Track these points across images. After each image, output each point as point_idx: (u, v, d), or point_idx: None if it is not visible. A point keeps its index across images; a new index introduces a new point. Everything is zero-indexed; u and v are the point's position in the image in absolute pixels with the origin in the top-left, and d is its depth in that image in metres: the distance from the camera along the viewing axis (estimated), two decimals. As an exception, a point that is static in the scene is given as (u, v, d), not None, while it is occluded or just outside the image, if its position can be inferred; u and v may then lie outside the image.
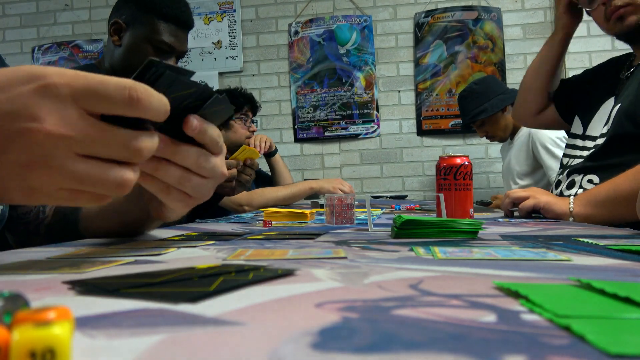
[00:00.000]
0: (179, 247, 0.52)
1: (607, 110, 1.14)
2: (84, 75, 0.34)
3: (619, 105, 1.08)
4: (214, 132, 0.44)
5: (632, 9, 1.05)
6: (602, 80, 1.24)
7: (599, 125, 1.16)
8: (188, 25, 1.26)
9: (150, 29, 1.20)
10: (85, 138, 0.34)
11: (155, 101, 0.36)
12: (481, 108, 2.03)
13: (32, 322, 0.16)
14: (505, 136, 2.13)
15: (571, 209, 0.95)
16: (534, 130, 1.97)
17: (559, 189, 1.21)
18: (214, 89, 3.01)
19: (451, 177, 0.85)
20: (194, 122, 0.42)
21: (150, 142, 0.37)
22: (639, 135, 1.01)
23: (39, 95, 0.33)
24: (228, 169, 1.09)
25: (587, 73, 1.33)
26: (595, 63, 2.67)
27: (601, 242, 0.50)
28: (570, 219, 0.94)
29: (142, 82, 0.36)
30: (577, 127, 1.26)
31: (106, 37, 1.28)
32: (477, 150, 2.85)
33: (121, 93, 0.34)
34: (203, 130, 0.43)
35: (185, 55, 3.06)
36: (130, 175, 0.37)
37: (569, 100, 1.30)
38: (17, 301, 0.18)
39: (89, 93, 0.34)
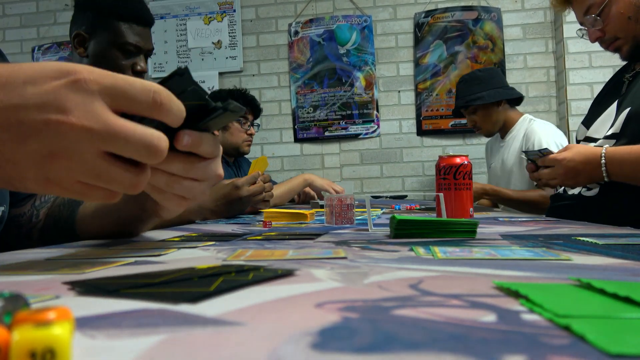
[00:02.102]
0: (179, 248, 0.52)
1: (612, 112, 1.15)
2: (112, 74, 0.36)
3: (628, 108, 1.08)
4: (208, 141, 0.44)
5: (622, 41, 1.16)
6: (608, 91, 1.26)
7: (603, 127, 1.16)
8: (149, 22, 1.27)
9: (113, 33, 1.21)
10: (108, 133, 0.34)
11: (176, 107, 0.37)
12: (478, 95, 1.98)
13: (32, 322, 0.16)
14: (493, 131, 2.09)
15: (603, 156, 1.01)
16: (529, 130, 1.95)
17: (562, 187, 1.21)
18: (214, 88, 3.01)
19: (451, 176, 0.85)
20: (185, 139, 0.41)
21: (166, 145, 0.38)
22: None
23: (68, 89, 0.34)
24: (254, 183, 1.14)
25: (596, 98, 1.33)
26: (595, 63, 2.68)
27: (601, 241, 0.50)
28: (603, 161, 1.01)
29: (166, 87, 0.38)
30: (581, 133, 1.26)
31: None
32: (476, 150, 2.85)
33: (146, 95, 0.36)
34: (196, 143, 0.42)
35: (185, 55, 3.07)
36: (144, 177, 0.38)
37: None
38: (17, 301, 0.18)
39: (117, 91, 0.35)
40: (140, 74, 1.25)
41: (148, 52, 1.28)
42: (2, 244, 0.72)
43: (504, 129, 2.07)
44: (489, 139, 2.24)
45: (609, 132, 1.12)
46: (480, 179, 2.79)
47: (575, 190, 1.16)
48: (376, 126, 2.96)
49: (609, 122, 1.14)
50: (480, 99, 1.97)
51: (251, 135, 2.03)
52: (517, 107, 2.09)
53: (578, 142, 1.26)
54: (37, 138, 0.34)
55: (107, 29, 1.21)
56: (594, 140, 1.17)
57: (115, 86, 0.35)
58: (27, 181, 0.36)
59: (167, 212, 0.55)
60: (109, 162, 0.36)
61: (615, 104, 1.15)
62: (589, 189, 1.13)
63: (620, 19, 1.13)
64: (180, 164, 0.43)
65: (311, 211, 0.97)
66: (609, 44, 1.19)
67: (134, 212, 0.63)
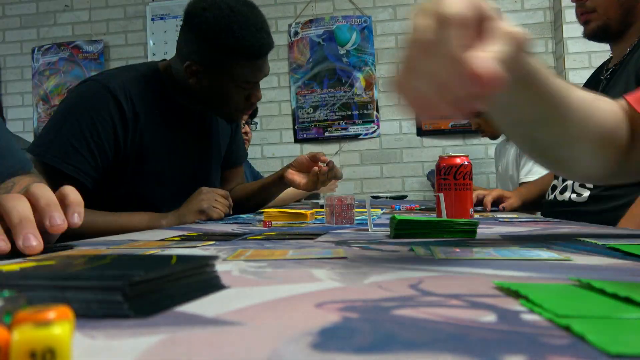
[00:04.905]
0: (179, 248, 0.52)
1: None
2: None
3: None
4: None
5: (596, 15, 1.13)
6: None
7: None
8: (269, 50, 1.13)
9: (232, 73, 1.09)
10: None
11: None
12: None
13: (32, 322, 0.16)
14: (496, 134, 2.18)
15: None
16: None
17: (554, 194, 1.21)
18: None
19: (451, 177, 0.85)
20: None
21: None
22: None
23: None
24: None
25: None
26: (595, 63, 2.67)
27: (601, 242, 0.50)
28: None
29: None
30: None
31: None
32: (477, 151, 2.85)
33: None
34: None
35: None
36: None
37: None
38: (17, 301, 0.18)
39: None
40: (254, 103, 1.17)
41: (264, 76, 1.17)
42: None
43: None
44: (495, 141, 2.31)
45: None
46: (480, 179, 2.79)
47: (566, 196, 1.16)
48: (376, 127, 2.96)
49: None
50: None
51: (245, 134, 2.01)
52: None
53: None
54: None
55: (226, 68, 1.09)
56: None
57: None
58: None
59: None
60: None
61: None
62: (578, 195, 1.13)
63: None
64: None
65: (311, 211, 0.97)
66: (583, 12, 1.16)
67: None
